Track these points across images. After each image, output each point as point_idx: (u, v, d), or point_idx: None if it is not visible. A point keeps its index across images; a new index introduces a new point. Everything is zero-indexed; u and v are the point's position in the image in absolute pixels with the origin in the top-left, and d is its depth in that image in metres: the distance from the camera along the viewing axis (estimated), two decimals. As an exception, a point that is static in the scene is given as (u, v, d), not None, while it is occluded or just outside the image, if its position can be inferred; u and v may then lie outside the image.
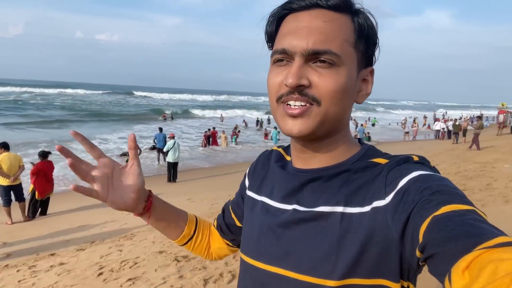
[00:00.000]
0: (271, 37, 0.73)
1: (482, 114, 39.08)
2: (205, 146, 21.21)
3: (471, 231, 0.47)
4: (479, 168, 9.88)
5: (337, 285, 0.63)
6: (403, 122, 32.55)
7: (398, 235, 0.59)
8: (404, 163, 0.66)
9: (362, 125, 28.45)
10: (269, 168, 0.85)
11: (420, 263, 0.56)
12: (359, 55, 0.68)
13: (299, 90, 0.65)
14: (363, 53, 0.69)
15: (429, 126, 34.25)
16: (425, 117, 41.19)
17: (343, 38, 0.66)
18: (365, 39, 0.68)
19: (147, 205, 0.88)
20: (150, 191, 0.90)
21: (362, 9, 0.69)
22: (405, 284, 0.64)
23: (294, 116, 0.66)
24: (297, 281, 0.67)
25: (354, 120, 33.08)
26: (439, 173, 0.66)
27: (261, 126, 33.36)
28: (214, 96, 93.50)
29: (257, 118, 36.59)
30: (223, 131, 23.28)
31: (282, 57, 0.68)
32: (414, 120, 32.07)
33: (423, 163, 0.67)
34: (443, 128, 25.45)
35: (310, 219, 0.68)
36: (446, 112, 51.09)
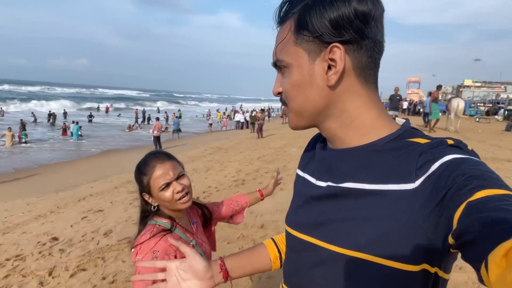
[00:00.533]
0: None
1: (269, 107, 45.82)
2: None
3: (508, 218, 0.47)
4: (274, 153, 11.66)
5: (358, 257, 0.67)
6: (207, 114, 34.79)
7: (426, 221, 0.60)
8: (438, 146, 0.65)
9: (171, 117, 28.87)
10: (315, 149, 0.89)
11: (452, 250, 0.57)
12: (304, 46, 0.70)
13: (280, 97, 0.79)
14: (310, 41, 0.70)
15: (230, 118, 37.82)
16: (226, 109, 45.15)
17: (284, 43, 0.74)
18: (303, 29, 0.70)
19: (223, 275, 0.99)
20: (221, 259, 1.01)
21: (298, 8, 0.70)
22: (432, 269, 0.65)
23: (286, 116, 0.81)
24: (325, 249, 0.72)
25: (166, 112, 33.23)
26: (477, 156, 0.66)
27: (54, 120, 29.52)
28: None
29: (49, 111, 32.17)
30: (9, 128, 19.27)
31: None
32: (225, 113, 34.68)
33: (458, 146, 0.66)
34: (244, 119, 28.63)
35: (339, 195, 0.72)
36: (241, 105, 57.42)
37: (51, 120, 29.57)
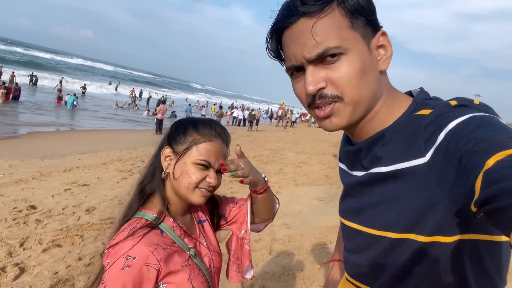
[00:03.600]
0: (278, 53, 0.79)
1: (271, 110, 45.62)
2: None
3: None
4: (271, 154, 11.41)
5: (391, 237, 0.71)
6: (202, 105, 34.46)
7: (444, 192, 0.62)
8: (442, 112, 0.67)
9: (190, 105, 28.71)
10: (348, 142, 0.88)
11: (477, 216, 0.56)
12: (361, 30, 0.70)
13: (319, 94, 0.71)
14: (365, 25, 0.70)
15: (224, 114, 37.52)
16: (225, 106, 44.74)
17: (337, 27, 0.68)
18: (359, 13, 0.69)
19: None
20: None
21: None
22: (467, 236, 0.65)
23: (326, 117, 0.73)
24: (366, 233, 0.77)
25: (163, 96, 32.74)
26: (484, 109, 0.66)
27: (36, 83, 29.01)
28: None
29: (31, 73, 30.86)
30: (2, 84, 18.78)
31: (296, 70, 0.74)
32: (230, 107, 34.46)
33: (462, 105, 0.67)
34: (243, 116, 28.35)
35: (367, 181, 0.76)
36: (243, 104, 57.09)
37: (30, 84, 28.99)
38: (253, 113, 24.81)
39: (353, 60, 0.69)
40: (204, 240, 1.14)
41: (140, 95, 33.02)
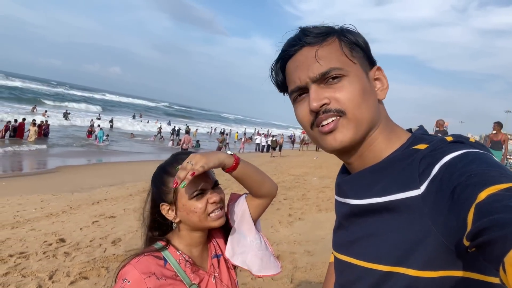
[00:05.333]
0: (283, 85, 0.84)
1: (294, 134, 45.59)
2: (2, 137, 18.17)
3: None
4: (294, 180, 11.35)
5: (382, 270, 0.69)
6: (222, 133, 34.98)
7: (437, 225, 0.62)
8: (438, 147, 0.68)
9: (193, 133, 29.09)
10: (344, 174, 0.90)
11: (469, 250, 0.56)
12: (359, 60, 0.76)
13: (323, 109, 0.74)
14: (362, 57, 0.77)
15: (250, 140, 37.78)
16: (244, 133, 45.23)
17: (338, 54, 0.75)
18: (357, 46, 0.77)
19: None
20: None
21: (341, 28, 0.79)
22: (459, 273, 0.64)
23: (330, 131, 0.74)
24: (358, 266, 0.75)
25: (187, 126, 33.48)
26: (480, 146, 0.68)
27: (68, 119, 32.21)
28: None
29: (66, 110, 34.44)
30: (33, 122, 19.84)
31: (299, 93, 0.78)
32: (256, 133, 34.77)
33: (458, 141, 0.69)
34: (266, 142, 28.48)
35: (360, 213, 0.76)
36: (268, 130, 57.36)
37: (65, 118, 31.75)
38: (274, 139, 24.88)
39: (354, 82, 0.73)
40: (213, 276, 1.14)
41: (174, 130, 34.01)
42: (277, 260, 1.21)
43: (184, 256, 1.10)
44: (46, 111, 31.94)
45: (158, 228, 1.16)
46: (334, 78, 0.73)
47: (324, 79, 0.74)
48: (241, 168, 1.08)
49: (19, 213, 6.33)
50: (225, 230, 1.23)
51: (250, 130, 56.51)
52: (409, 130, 0.84)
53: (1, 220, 5.85)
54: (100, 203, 7.48)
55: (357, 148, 0.77)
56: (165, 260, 1.06)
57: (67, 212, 6.59)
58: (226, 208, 1.19)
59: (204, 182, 1.08)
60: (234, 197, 1.25)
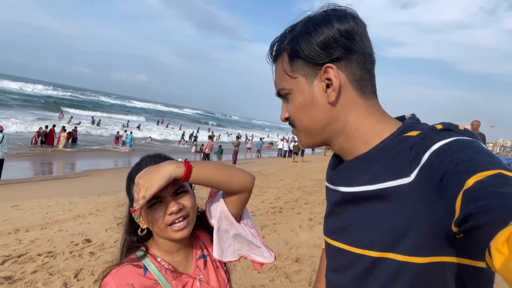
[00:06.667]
0: None
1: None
2: (35, 143, 18.81)
3: (505, 203, 0.48)
4: (316, 185, 11.27)
5: (373, 256, 0.71)
6: (248, 139, 35.09)
7: (427, 212, 0.63)
8: (427, 135, 0.69)
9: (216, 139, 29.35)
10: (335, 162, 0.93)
11: (457, 236, 0.57)
12: (302, 71, 0.79)
13: (288, 122, 0.87)
14: (305, 66, 0.78)
15: (271, 145, 37.72)
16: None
17: (282, 73, 0.82)
18: (297, 57, 0.78)
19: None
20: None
21: (291, 37, 0.79)
22: (448, 259, 0.65)
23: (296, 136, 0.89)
24: (349, 252, 0.77)
25: (212, 132, 33.80)
26: (469, 134, 0.68)
27: (99, 124, 33.41)
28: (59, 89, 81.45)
29: (92, 117, 35.64)
30: (63, 128, 20.60)
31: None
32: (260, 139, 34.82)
33: (448, 129, 0.69)
34: (288, 147, 28.45)
35: (352, 200, 0.77)
36: (293, 135, 57.05)
37: (94, 124, 33.14)
38: (297, 144, 24.78)
39: (295, 99, 0.81)
40: (198, 279, 1.08)
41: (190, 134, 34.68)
42: (269, 249, 1.16)
43: (163, 263, 1.05)
44: (71, 117, 33.27)
45: (136, 233, 1.12)
46: (285, 95, 0.83)
47: (281, 96, 0.85)
48: (196, 174, 0.97)
49: (48, 215, 6.60)
50: (208, 228, 1.14)
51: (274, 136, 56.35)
52: (403, 117, 0.85)
53: (31, 221, 6.12)
54: (125, 205, 7.62)
55: (332, 142, 0.84)
56: (145, 269, 1.03)
57: (93, 214, 6.81)
58: (205, 209, 1.14)
59: (162, 190, 0.95)
60: (212, 193, 1.15)
